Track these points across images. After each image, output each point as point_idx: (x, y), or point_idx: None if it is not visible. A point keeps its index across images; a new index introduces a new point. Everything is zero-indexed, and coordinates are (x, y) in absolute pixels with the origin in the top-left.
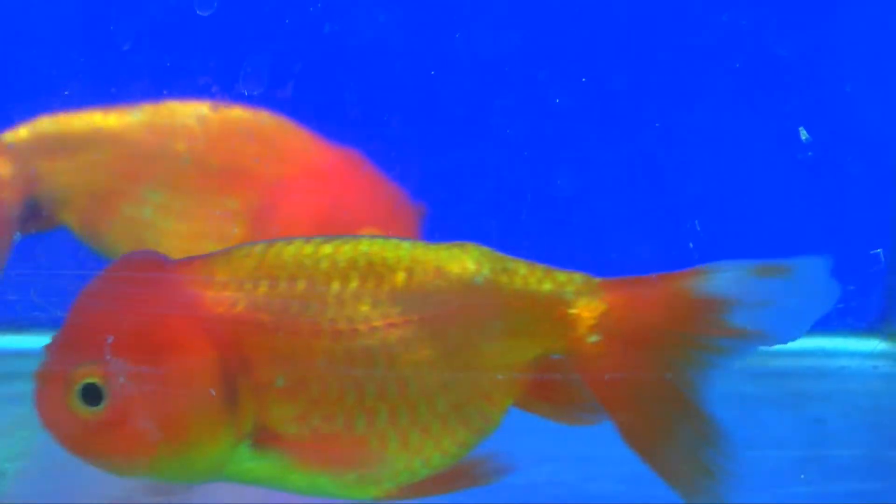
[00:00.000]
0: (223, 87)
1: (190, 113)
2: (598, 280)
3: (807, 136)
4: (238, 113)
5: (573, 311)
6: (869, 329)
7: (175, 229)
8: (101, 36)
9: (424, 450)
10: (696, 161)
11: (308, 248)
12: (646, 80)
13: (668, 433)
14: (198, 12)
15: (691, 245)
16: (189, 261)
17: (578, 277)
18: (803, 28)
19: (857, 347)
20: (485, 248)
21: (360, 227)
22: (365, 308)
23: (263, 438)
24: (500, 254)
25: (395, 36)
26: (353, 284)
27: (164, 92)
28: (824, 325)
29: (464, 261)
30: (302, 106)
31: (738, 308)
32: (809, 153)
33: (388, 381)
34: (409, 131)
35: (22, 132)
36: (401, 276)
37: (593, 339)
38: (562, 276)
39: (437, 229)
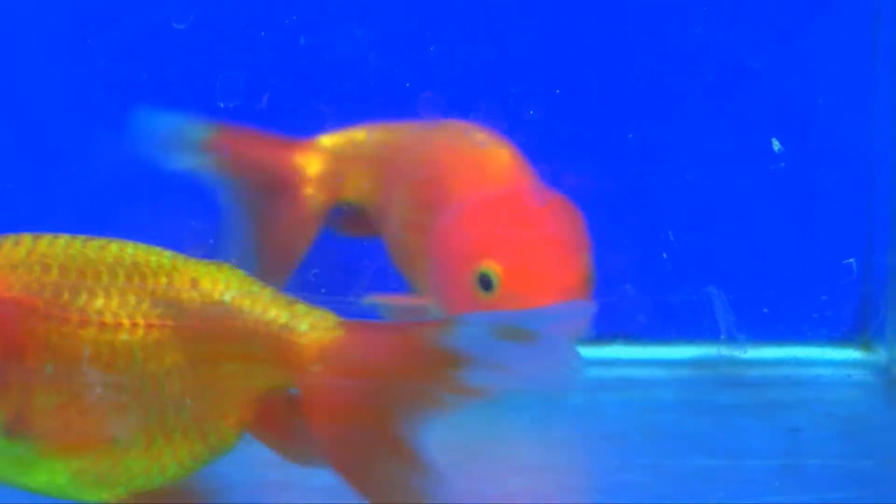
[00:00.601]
0: (200, 98)
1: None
2: (339, 319)
3: (780, 147)
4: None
5: (301, 342)
6: (843, 338)
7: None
8: (78, 50)
9: (163, 457)
10: (669, 172)
11: (77, 243)
12: (619, 92)
13: (380, 475)
14: (174, 25)
15: (665, 256)
16: None
17: (319, 313)
18: (776, 40)
19: (831, 356)
20: (239, 271)
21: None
22: (130, 303)
23: (17, 426)
24: (252, 278)
25: (371, 48)
26: (120, 280)
27: (140, 105)
28: (799, 335)
29: (215, 278)
30: (277, 118)
31: (469, 366)
32: (782, 164)
33: (145, 381)
34: None
35: (337, 137)
36: (162, 280)
37: (314, 370)
38: (302, 308)
39: None
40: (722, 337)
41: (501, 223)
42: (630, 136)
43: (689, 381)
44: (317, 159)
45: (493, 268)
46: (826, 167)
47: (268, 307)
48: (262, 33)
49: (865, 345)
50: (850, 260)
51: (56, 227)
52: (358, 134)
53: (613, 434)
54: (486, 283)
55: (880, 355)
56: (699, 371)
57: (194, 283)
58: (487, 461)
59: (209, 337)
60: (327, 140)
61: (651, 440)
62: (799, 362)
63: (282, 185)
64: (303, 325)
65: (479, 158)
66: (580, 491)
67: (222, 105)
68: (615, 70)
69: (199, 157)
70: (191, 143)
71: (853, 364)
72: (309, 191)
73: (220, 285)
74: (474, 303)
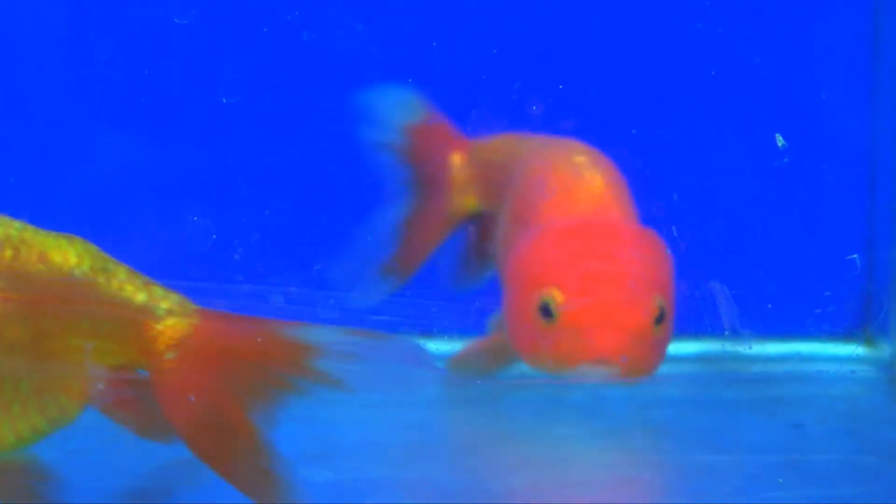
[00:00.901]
0: (202, 94)
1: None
2: (196, 306)
3: (783, 142)
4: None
5: (158, 326)
6: (846, 334)
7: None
8: (79, 46)
9: (1, 428)
10: (672, 168)
11: None
12: (622, 87)
13: (229, 454)
14: (176, 21)
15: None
16: None
17: (176, 297)
18: (778, 36)
19: (834, 352)
20: (91, 246)
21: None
22: None
23: None
24: (106, 255)
25: (373, 44)
26: None
27: (142, 100)
28: (802, 330)
29: (66, 252)
30: (280, 113)
31: (321, 356)
32: (785, 160)
33: None
34: None
35: (490, 142)
36: (8, 254)
37: (170, 356)
38: (160, 291)
39: None
40: (725, 333)
41: (572, 252)
42: (633, 131)
43: (693, 377)
44: (467, 161)
45: (555, 296)
46: (829, 162)
47: (123, 286)
48: (265, 29)
49: (869, 340)
50: (854, 255)
51: (59, 222)
52: (505, 140)
53: (616, 430)
54: (546, 311)
55: (884, 351)
56: (703, 367)
57: (42, 257)
58: (490, 457)
59: (58, 312)
60: (481, 144)
61: (654, 436)
62: (802, 358)
63: (431, 180)
64: (160, 309)
65: (571, 182)
66: (583, 486)
67: (225, 101)
68: (618, 66)
69: (394, 137)
70: (396, 123)
71: (857, 360)
72: (453, 191)
73: (72, 259)
74: (536, 330)
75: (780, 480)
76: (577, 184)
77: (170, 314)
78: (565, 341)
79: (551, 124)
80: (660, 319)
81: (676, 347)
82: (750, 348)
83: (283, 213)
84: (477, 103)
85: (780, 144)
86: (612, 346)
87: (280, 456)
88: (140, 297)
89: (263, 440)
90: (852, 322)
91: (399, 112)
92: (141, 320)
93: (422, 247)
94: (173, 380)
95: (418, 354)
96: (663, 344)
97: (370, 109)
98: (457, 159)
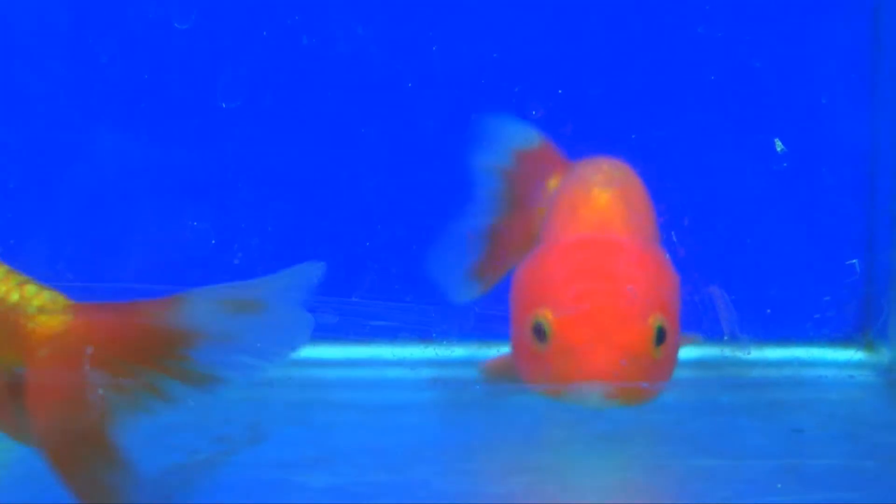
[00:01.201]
0: (202, 98)
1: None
2: (70, 302)
3: (782, 147)
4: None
5: (30, 325)
6: (846, 339)
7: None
8: (80, 49)
9: None
10: (671, 172)
11: None
12: (622, 92)
13: (85, 469)
14: (175, 25)
15: (667, 256)
16: None
17: (48, 295)
18: (778, 40)
19: (834, 357)
20: None
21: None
22: None
23: None
24: None
25: (373, 48)
26: None
27: (142, 104)
28: (802, 335)
29: None
30: (280, 117)
31: (204, 342)
32: (785, 164)
33: None
34: (386, 142)
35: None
36: None
37: (42, 354)
38: (32, 289)
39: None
40: (725, 337)
41: (565, 271)
42: (633, 136)
43: (692, 382)
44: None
45: (546, 317)
46: (828, 167)
47: None
48: (264, 33)
49: (868, 345)
50: (853, 260)
51: (59, 223)
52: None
53: (614, 434)
54: (539, 332)
55: (883, 356)
56: (702, 371)
57: None
58: (488, 461)
59: None
60: (579, 167)
61: (653, 441)
62: (802, 363)
63: (528, 200)
64: (32, 308)
65: (577, 200)
66: (581, 491)
67: (224, 105)
68: (618, 70)
69: (505, 162)
70: (509, 148)
71: (856, 365)
72: (540, 209)
73: None
74: (531, 353)
75: (779, 485)
76: (582, 202)
77: (42, 312)
78: (557, 361)
79: (551, 129)
80: (660, 339)
81: None
82: (749, 353)
83: (282, 218)
84: (477, 107)
85: (778, 149)
86: (605, 365)
87: (135, 473)
88: (12, 296)
89: (122, 454)
90: (852, 327)
91: (514, 139)
92: (12, 318)
93: (507, 260)
94: (44, 379)
95: (294, 322)
96: (666, 365)
97: (487, 135)
98: (554, 182)
